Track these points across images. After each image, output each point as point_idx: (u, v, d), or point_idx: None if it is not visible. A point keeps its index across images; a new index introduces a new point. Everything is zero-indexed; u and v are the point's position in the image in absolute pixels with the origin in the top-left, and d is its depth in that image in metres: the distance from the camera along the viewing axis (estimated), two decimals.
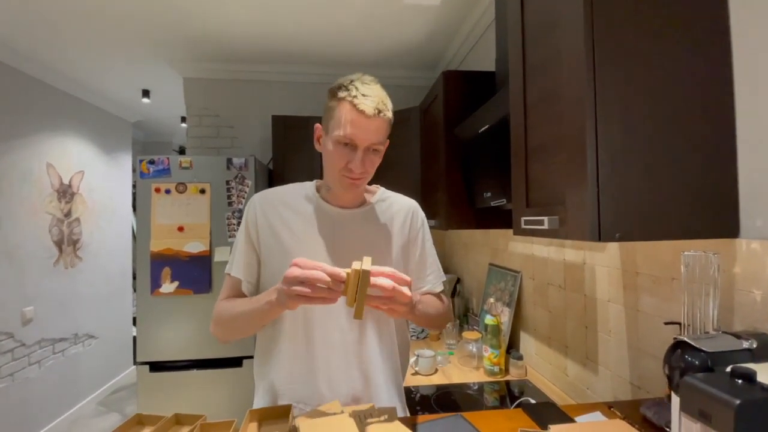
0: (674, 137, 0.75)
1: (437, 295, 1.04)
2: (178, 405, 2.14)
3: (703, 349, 0.60)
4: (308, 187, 0.98)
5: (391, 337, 0.98)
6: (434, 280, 1.04)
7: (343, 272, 0.70)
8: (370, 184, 1.00)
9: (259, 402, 0.94)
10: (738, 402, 0.48)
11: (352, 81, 0.85)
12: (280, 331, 0.91)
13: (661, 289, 0.97)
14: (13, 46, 2.47)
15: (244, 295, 0.94)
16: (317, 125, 0.92)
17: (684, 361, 0.61)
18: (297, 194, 0.96)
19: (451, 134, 1.75)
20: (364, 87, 0.83)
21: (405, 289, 0.72)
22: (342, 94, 0.84)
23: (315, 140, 0.93)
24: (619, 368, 1.13)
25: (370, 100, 0.82)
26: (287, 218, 0.92)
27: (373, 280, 0.69)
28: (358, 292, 0.68)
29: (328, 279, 0.68)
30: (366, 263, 0.69)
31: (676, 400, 0.62)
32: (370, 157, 0.87)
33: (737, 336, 0.64)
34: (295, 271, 0.70)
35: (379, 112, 0.83)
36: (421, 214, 1.05)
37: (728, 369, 0.56)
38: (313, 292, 0.69)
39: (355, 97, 0.82)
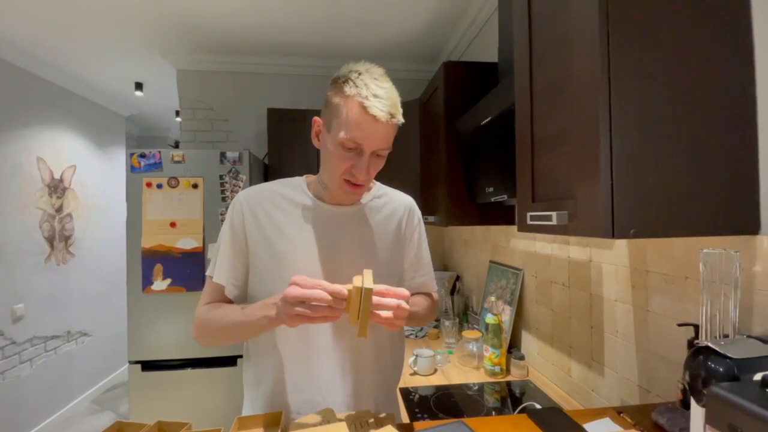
0: (693, 127, 0.70)
1: (428, 294, 1.01)
2: (171, 405, 2.11)
3: (729, 355, 0.55)
4: (298, 183, 0.91)
5: (387, 340, 0.93)
6: (428, 281, 1.01)
7: (344, 289, 0.67)
8: (386, 178, 0.95)
9: (249, 410, 0.89)
10: None
11: (360, 75, 0.76)
12: (275, 337, 0.85)
13: (674, 288, 0.93)
14: (2, 36, 2.40)
15: (228, 300, 0.88)
16: (316, 118, 0.84)
17: (707, 368, 0.56)
18: (287, 192, 0.88)
19: (452, 127, 1.70)
20: (375, 86, 0.74)
21: (404, 304, 0.69)
22: (350, 90, 0.74)
23: (313, 135, 0.85)
24: (626, 370, 1.09)
25: (382, 103, 0.73)
26: (278, 218, 0.85)
27: (376, 299, 0.66)
28: (361, 310, 0.65)
29: (330, 298, 0.65)
30: (367, 279, 0.67)
31: (699, 410, 0.57)
32: (374, 161, 0.80)
33: (763, 340, 0.59)
34: (295, 291, 0.66)
35: (392, 116, 0.75)
36: (418, 212, 1.00)
37: (757, 377, 0.51)
38: (314, 312, 0.65)
39: (366, 97, 0.73)
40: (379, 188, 0.96)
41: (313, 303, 0.65)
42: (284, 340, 0.84)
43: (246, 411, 0.91)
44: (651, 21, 0.69)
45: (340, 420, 0.73)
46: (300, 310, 0.65)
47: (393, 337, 0.94)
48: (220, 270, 0.86)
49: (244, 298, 0.89)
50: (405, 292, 0.71)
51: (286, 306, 0.67)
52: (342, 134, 0.75)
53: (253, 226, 0.85)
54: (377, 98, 0.73)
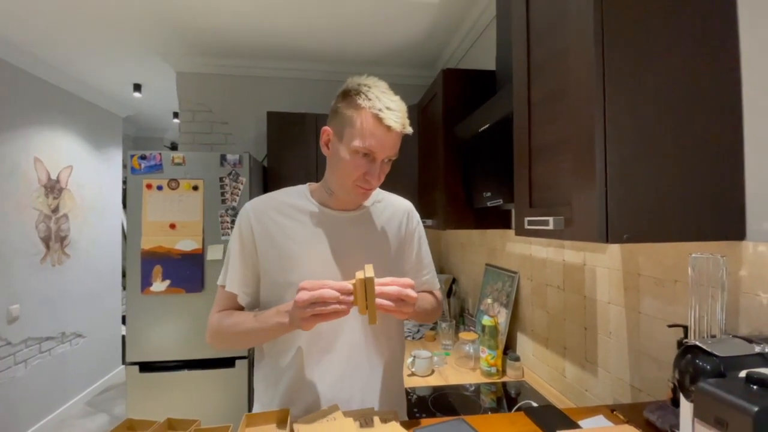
0: (682, 137, 0.74)
1: (430, 292, 1.06)
2: (169, 406, 2.11)
3: (716, 353, 0.58)
4: (302, 191, 0.95)
5: (393, 340, 0.96)
6: (431, 279, 1.06)
7: (348, 284, 0.72)
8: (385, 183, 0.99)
9: (263, 409, 0.91)
10: (756, 409, 0.47)
11: (370, 88, 0.81)
12: (290, 339, 0.88)
13: (664, 291, 0.96)
14: (1, 36, 2.40)
15: (240, 307, 0.91)
16: (325, 128, 0.88)
17: (695, 365, 0.60)
18: (292, 200, 0.92)
19: (450, 133, 1.74)
20: (386, 99, 0.81)
21: (410, 292, 0.74)
22: (363, 102, 0.80)
23: (322, 144, 0.89)
24: (619, 370, 1.13)
25: (396, 114, 0.80)
26: (285, 226, 0.89)
27: (379, 288, 0.72)
28: (368, 299, 0.71)
29: (337, 294, 0.71)
30: (368, 271, 0.72)
31: (687, 405, 0.61)
32: (384, 167, 0.86)
33: (748, 340, 0.63)
34: (304, 295, 0.71)
35: (404, 126, 0.82)
36: (416, 215, 1.06)
37: (742, 374, 0.55)
38: (325, 310, 0.70)
39: (380, 110, 0.79)
40: (378, 193, 1.00)
41: (324, 302, 0.70)
42: (301, 341, 0.87)
43: (257, 410, 0.93)
44: (644, 37, 0.72)
45: (346, 417, 0.76)
46: (312, 310, 0.70)
47: (399, 337, 0.99)
48: (231, 279, 0.89)
49: (256, 304, 0.92)
50: (408, 280, 0.76)
51: (299, 311, 0.72)
52: (357, 143, 0.80)
53: (262, 235, 0.88)
54: (390, 110, 0.79)
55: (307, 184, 0.97)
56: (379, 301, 0.72)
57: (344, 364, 0.88)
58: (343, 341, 0.88)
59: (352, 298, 0.72)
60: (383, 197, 1.01)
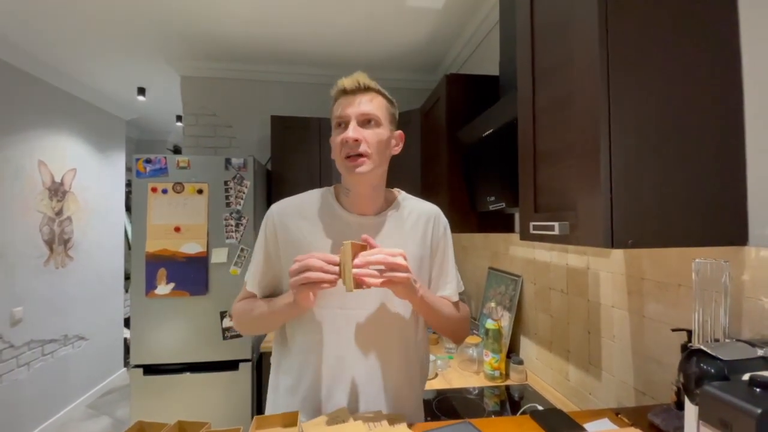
0: (685, 144, 0.75)
1: (454, 303, 1.00)
2: (173, 409, 2.12)
3: (720, 357, 0.60)
4: (327, 194, 0.95)
5: (417, 346, 0.96)
6: (451, 289, 0.99)
7: (336, 257, 0.77)
8: (389, 186, 0.98)
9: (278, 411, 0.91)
10: (759, 411, 0.48)
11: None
12: (307, 347, 0.89)
13: (667, 295, 0.98)
14: (6, 40, 2.42)
15: None
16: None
17: (700, 369, 0.61)
18: (315, 204, 0.93)
19: (453, 137, 1.75)
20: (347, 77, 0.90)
21: (399, 259, 0.76)
22: (331, 91, 0.91)
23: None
24: (623, 374, 1.14)
25: (350, 78, 0.88)
26: (305, 230, 0.90)
27: (363, 258, 0.74)
28: (345, 265, 0.74)
29: (320, 263, 0.75)
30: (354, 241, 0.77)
31: (692, 408, 0.62)
32: (366, 129, 0.86)
33: (751, 344, 0.64)
34: (293, 266, 0.76)
35: (359, 83, 0.87)
36: (444, 220, 1.01)
37: (745, 377, 0.56)
38: (311, 276, 0.74)
39: (339, 83, 0.88)
40: (403, 197, 0.99)
41: (309, 268, 0.74)
42: (318, 349, 0.87)
43: (271, 412, 0.92)
44: (647, 45, 0.74)
45: (355, 419, 0.77)
46: (299, 278, 0.74)
47: (420, 345, 0.98)
48: (253, 282, 0.94)
49: None
50: (397, 250, 0.78)
51: (291, 281, 0.76)
52: (333, 120, 0.89)
53: (284, 238, 0.90)
54: (345, 78, 0.88)
55: (333, 185, 0.98)
56: (361, 270, 0.73)
57: (363, 375, 0.88)
58: (361, 349, 0.88)
59: (337, 268, 0.75)
60: (407, 203, 0.98)
